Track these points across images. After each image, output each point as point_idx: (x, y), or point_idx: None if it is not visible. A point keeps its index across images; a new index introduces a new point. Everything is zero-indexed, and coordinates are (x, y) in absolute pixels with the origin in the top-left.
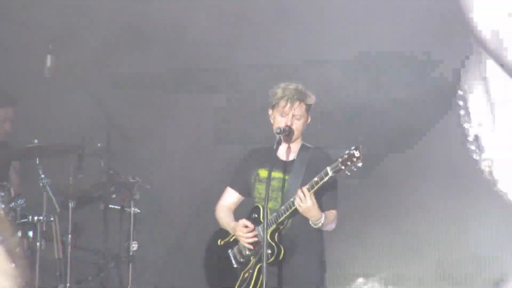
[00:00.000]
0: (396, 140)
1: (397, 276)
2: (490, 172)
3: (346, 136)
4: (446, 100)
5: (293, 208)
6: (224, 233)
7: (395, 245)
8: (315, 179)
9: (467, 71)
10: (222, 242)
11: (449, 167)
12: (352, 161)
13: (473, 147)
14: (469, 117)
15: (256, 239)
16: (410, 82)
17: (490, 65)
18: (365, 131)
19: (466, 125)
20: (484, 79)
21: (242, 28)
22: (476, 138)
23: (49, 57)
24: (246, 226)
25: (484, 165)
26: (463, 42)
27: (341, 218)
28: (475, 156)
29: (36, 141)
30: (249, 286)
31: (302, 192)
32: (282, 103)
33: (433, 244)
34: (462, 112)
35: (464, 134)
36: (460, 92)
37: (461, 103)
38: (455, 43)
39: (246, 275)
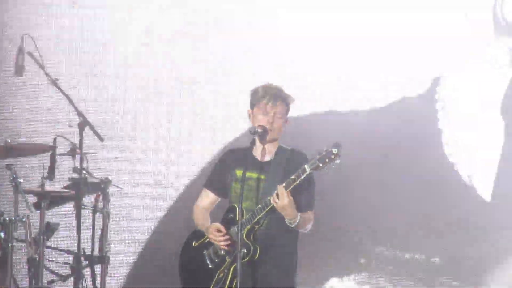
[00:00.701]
0: (373, 142)
1: (372, 276)
2: (469, 176)
3: (320, 138)
4: (425, 102)
5: (269, 206)
6: (199, 234)
7: (372, 246)
8: (292, 176)
9: (448, 75)
10: (197, 244)
11: (426, 171)
12: (330, 159)
13: (450, 151)
14: (448, 120)
15: (229, 242)
16: (392, 82)
17: (471, 70)
18: (343, 132)
19: (443, 128)
20: (467, 88)
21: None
22: (455, 142)
23: (19, 55)
24: (219, 230)
25: (461, 169)
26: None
27: (317, 218)
28: (451, 160)
29: (8, 140)
30: (225, 285)
31: (280, 189)
32: (264, 101)
33: (411, 246)
34: (440, 114)
35: (441, 137)
36: (438, 106)
37: (439, 115)
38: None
39: (222, 274)
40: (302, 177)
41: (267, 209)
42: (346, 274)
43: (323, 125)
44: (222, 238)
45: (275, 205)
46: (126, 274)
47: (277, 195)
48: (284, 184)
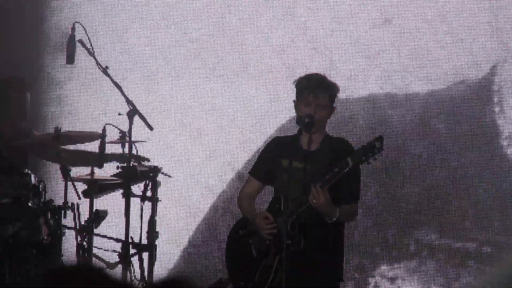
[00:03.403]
0: (426, 135)
1: (422, 264)
2: None
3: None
4: (481, 95)
5: (306, 205)
6: (245, 222)
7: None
8: (336, 169)
9: (507, 67)
10: (243, 232)
11: (482, 164)
12: (373, 152)
13: (506, 143)
14: (504, 114)
15: (275, 231)
16: (441, 75)
17: None
18: (393, 122)
19: (500, 122)
20: None
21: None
22: (510, 135)
23: (71, 44)
24: (267, 218)
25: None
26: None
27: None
28: (509, 153)
29: (59, 128)
30: (270, 275)
31: (315, 189)
32: (306, 92)
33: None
34: (497, 108)
35: (498, 131)
36: (495, 88)
37: (496, 99)
38: (495, 35)
39: (267, 265)
40: (345, 171)
41: (305, 206)
42: (396, 261)
43: (380, 107)
44: (269, 226)
45: (312, 204)
46: (175, 262)
47: (313, 193)
48: (320, 183)
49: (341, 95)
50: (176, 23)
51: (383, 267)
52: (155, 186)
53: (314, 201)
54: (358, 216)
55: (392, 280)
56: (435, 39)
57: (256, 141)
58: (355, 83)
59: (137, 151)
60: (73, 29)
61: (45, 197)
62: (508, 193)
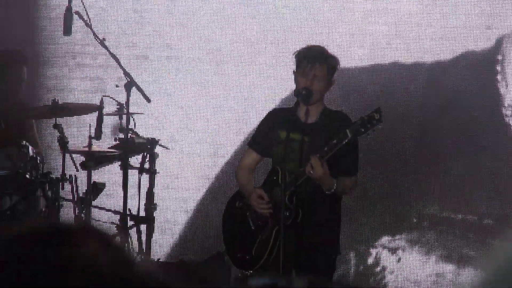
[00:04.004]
0: (428, 103)
1: (423, 235)
2: None
3: (368, 99)
4: (484, 64)
5: (304, 177)
6: (242, 194)
7: (424, 206)
8: (334, 141)
9: (510, 38)
10: (240, 204)
11: (482, 131)
12: (372, 124)
13: (508, 113)
14: (506, 83)
15: (271, 210)
16: (447, 45)
17: None
18: (393, 92)
19: (502, 91)
20: None
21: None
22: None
23: (68, 15)
24: (261, 197)
25: None
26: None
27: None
28: (509, 121)
29: (56, 99)
30: (267, 248)
31: (314, 160)
32: (304, 63)
33: (464, 208)
34: (499, 77)
35: (500, 100)
36: (499, 57)
37: (498, 68)
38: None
39: (264, 237)
40: (344, 142)
41: (302, 178)
42: (397, 233)
43: (384, 76)
44: (264, 206)
45: (309, 175)
46: (173, 234)
47: (311, 165)
48: (318, 154)
49: (345, 64)
50: None
51: (384, 238)
52: (153, 158)
53: (312, 173)
54: (360, 187)
55: (393, 250)
56: (440, 10)
57: (258, 113)
58: (358, 51)
59: (135, 124)
60: (70, 0)
61: (42, 169)
62: (510, 163)
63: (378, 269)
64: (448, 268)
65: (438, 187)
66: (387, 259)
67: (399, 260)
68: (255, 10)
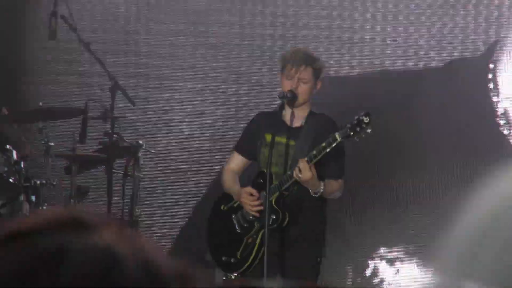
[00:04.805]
0: (420, 110)
1: (422, 247)
2: None
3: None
4: (476, 72)
5: (292, 180)
6: (227, 198)
7: (421, 218)
8: (323, 144)
9: (502, 45)
10: (225, 208)
11: (476, 141)
12: (361, 127)
13: (501, 122)
14: (498, 91)
15: (261, 207)
16: (439, 51)
17: None
18: (383, 99)
19: (494, 99)
20: None
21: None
22: (505, 112)
23: (53, 20)
24: (252, 194)
25: None
26: (503, 13)
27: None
28: (504, 131)
29: (40, 104)
30: (252, 251)
31: (302, 163)
32: (289, 66)
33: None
34: (491, 85)
35: (493, 108)
36: (491, 66)
37: (490, 76)
38: (493, 13)
39: (250, 240)
40: (333, 146)
41: (289, 182)
42: (395, 244)
43: (372, 84)
44: (255, 203)
45: (297, 179)
46: (158, 238)
47: (299, 168)
48: (306, 158)
49: (337, 71)
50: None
51: (382, 250)
52: (138, 162)
53: (300, 176)
54: (358, 196)
55: (391, 262)
56: (430, 14)
57: (244, 116)
58: (348, 58)
59: (119, 127)
60: (55, 4)
61: (26, 173)
62: (504, 171)
63: (376, 281)
64: (447, 281)
65: (435, 198)
66: (385, 271)
67: (397, 272)
68: (241, 17)
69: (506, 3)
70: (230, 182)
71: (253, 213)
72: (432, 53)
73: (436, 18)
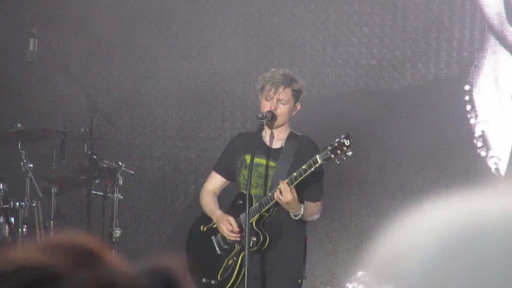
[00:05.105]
0: (396, 132)
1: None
2: (497, 170)
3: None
4: (451, 93)
5: (272, 202)
6: (207, 219)
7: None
8: (303, 167)
9: (477, 66)
10: (205, 228)
11: (454, 164)
12: (342, 150)
13: (479, 144)
14: (476, 113)
15: (238, 238)
16: (413, 73)
17: (504, 61)
18: (362, 124)
19: (472, 121)
20: (495, 75)
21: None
22: (483, 134)
23: (31, 41)
24: (231, 224)
25: (491, 162)
26: (475, 36)
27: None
28: (481, 153)
29: (18, 125)
30: (233, 273)
31: (283, 185)
32: (268, 87)
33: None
34: (468, 107)
35: (470, 130)
36: (466, 87)
37: (467, 98)
38: (466, 36)
39: (230, 262)
40: (313, 169)
41: (270, 204)
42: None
43: (350, 104)
44: (233, 235)
45: (278, 201)
46: (136, 260)
47: (280, 190)
48: (287, 180)
49: (316, 91)
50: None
51: (361, 273)
52: (117, 183)
53: (281, 198)
54: (338, 222)
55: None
56: (408, 36)
57: (223, 141)
58: (327, 79)
59: (98, 148)
60: (33, 24)
61: (6, 195)
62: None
63: None
64: None
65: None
66: None
67: None
68: (224, 37)
69: (477, 26)
70: (211, 205)
71: (232, 239)
72: (407, 75)
73: (411, 40)
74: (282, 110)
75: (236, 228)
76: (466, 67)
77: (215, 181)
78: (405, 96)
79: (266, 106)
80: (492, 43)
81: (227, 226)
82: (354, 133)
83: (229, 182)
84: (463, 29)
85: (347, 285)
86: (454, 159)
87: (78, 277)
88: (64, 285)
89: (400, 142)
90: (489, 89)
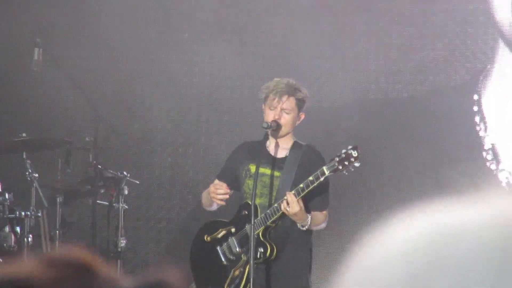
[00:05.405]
0: (404, 144)
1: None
2: (508, 183)
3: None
4: (460, 105)
5: (279, 213)
6: (211, 228)
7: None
8: (310, 178)
9: (486, 75)
10: (209, 238)
11: (463, 177)
12: (349, 161)
13: (489, 157)
14: (485, 124)
15: (227, 196)
16: (424, 81)
17: None
18: (370, 133)
19: (481, 133)
20: (505, 87)
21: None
22: (493, 147)
23: (36, 50)
24: (220, 185)
25: (501, 176)
26: (486, 47)
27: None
28: (491, 166)
29: (24, 134)
30: (240, 284)
31: (290, 196)
32: (271, 96)
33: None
34: (477, 118)
35: (480, 143)
36: (475, 97)
37: (475, 108)
38: (477, 47)
39: (237, 272)
40: (321, 180)
41: (277, 215)
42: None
43: (355, 113)
44: (221, 191)
45: (285, 212)
46: (142, 269)
47: (287, 201)
48: (293, 192)
49: (324, 102)
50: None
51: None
52: (122, 192)
53: (289, 210)
54: (340, 226)
55: None
56: (415, 44)
57: (226, 148)
58: (334, 88)
59: (103, 158)
60: (39, 34)
61: (11, 204)
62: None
63: None
64: None
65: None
66: None
67: None
68: (227, 48)
69: (489, 36)
70: (206, 195)
71: (217, 201)
72: (415, 83)
73: (419, 46)
74: (286, 120)
75: (224, 186)
76: (475, 76)
77: None
78: (413, 105)
79: (269, 115)
80: (501, 53)
81: (215, 186)
82: (359, 143)
83: (232, 191)
84: (474, 38)
85: None
86: (463, 172)
87: None
88: None
89: (407, 151)
90: (498, 99)
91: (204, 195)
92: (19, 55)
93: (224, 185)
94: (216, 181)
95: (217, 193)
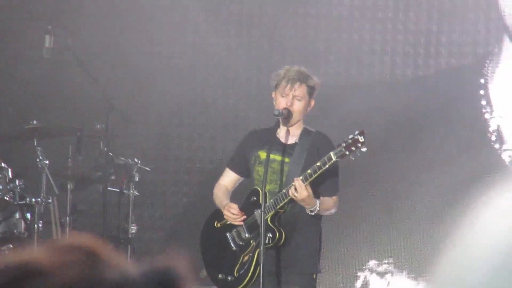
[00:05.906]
0: (411, 128)
1: (411, 260)
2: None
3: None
4: (466, 87)
5: (287, 198)
6: (220, 215)
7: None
8: (318, 164)
9: (492, 60)
10: (219, 225)
11: (469, 158)
12: (356, 146)
13: (494, 138)
14: (491, 107)
15: (242, 219)
16: (429, 64)
17: None
18: (377, 117)
19: (487, 116)
20: (510, 71)
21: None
22: (498, 128)
23: (47, 38)
24: (233, 208)
25: (505, 156)
26: (493, 31)
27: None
28: (496, 147)
29: (35, 122)
30: (250, 269)
31: (298, 182)
32: (283, 83)
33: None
34: (483, 102)
35: (485, 125)
36: (481, 81)
37: (482, 92)
38: (484, 31)
39: (246, 258)
40: (327, 166)
41: (285, 201)
42: (385, 257)
43: (366, 94)
44: (236, 217)
45: (293, 197)
46: (152, 255)
47: (295, 187)
48: (301, 177)
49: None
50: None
51: (372, 262)
52: (133, 179)
53: (297, 195)
54: (348, 212)
55: (382, 275)
56: (421, 26)
57: (236, 133)
58: (342, 69)
59: (114, 145)
60: (50, 22)
61: (22, 191)
62: (498, 188)
63: None
64: None
65: (425, 212)
66: (376, 284)
67: (388, 284)
68: (240, 34)
69: (493, 20)
70: (219, 196)
71: (233, 222)
72: (421, 65)
73: (424, 28)
74: (297, 107)
75: (237, 211)
76: (482, 60)
77: (228, 177)
78: (419, 84)
79: (281, 103)
80: (508, 38)
81: (229, 212)
82: (365, 127)
83: (242, 178)
84: (480, 22)
85: (359, 274)
86: (469, 153)
87: (63, 275)
88: (47, 283)
89: (415, 133)
90: (504, 83)
91: (216, 199)
92: (29, 43)
93: (236, 206)
94: (230, 204)
95: (232, 217)
